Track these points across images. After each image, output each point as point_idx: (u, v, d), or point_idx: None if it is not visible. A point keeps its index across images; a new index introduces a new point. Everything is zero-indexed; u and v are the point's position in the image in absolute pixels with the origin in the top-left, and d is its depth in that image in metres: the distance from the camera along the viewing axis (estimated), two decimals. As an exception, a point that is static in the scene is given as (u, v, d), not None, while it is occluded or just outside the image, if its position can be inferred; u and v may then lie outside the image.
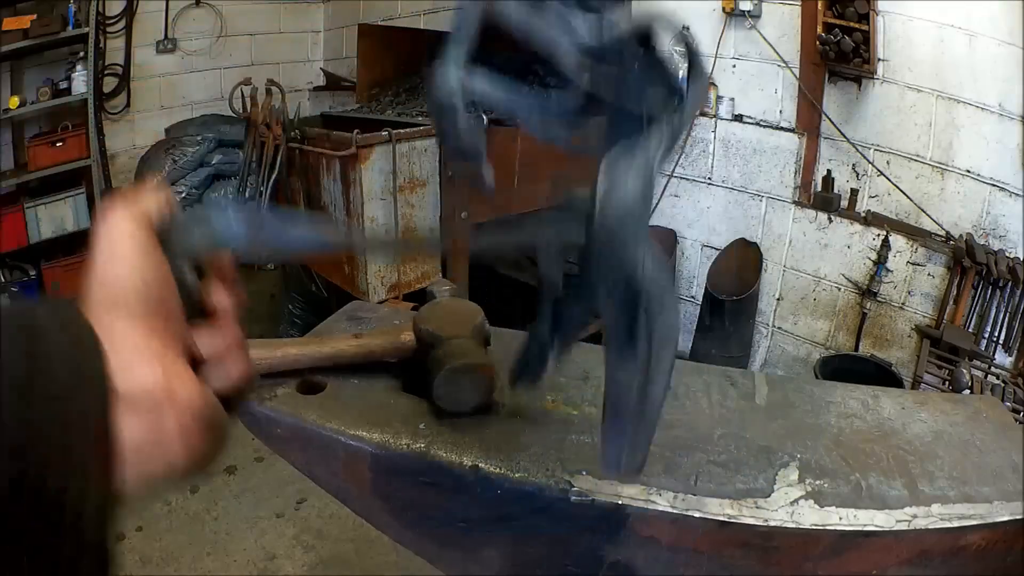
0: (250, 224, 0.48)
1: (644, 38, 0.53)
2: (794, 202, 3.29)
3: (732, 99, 3.38)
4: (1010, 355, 2.72)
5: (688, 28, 3.39)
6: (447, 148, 0.52)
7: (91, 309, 0.40)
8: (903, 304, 3.03)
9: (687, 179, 3.62)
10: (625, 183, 0.52)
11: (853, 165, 3.12)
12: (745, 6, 3.17)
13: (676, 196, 3.68)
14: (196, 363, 0.46)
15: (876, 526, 0.68)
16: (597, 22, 0.51)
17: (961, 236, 2.80)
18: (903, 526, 0.69)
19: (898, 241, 2.98)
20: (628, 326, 0.54)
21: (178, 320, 0.43)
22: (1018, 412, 2.31)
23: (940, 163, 2.86)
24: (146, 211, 0.44)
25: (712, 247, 3.62)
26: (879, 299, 3.08)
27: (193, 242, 0.46)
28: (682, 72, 0.54)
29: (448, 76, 0.50)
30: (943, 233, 2.87)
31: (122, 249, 0.42)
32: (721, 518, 0.69)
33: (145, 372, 0.39)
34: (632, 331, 0.54)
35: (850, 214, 3.13)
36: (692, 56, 0.54)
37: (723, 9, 3.24)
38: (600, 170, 0.53)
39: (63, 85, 4.23)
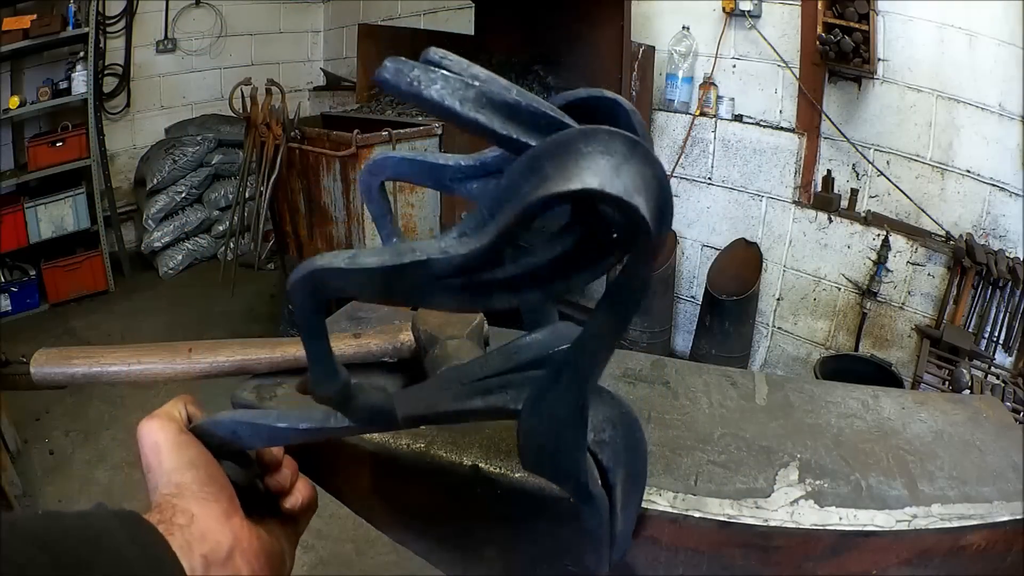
0: (254, 437, 0.56)
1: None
2: (794, 202, 3.29)
3: (732, 99, 3.39)
4: (1010, 355, 2.72)
5: (688, 28, 3.40)
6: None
7: (164, 503, 0.50)
8: (903, 304, 3.03)
9: (687, 179, 3.62)
10: (552, 421, 0.48)
11: (853, 165, 3.12)
12: (745, 6, 3.17)
13: (676, 196, 3.65)
14: (266, 501, 0.59)
15: (876, 526, 0.68)
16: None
17: (961, 236, 2.80)
18: (903, 526, 0.69)
19: (898, 241, 2.98)
20: (583, 497, 0.55)
21: (227, 480, 0.55)
22: (1018, 412, 2.31)
23: (940, 163, 2.86)
24: (172, 414, 0.56)
25: (712, 247, 3.62)
26: (879, 299, 3.08)
27: (217, 444, 0.56)
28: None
29: (325, 387, 0.49)
30: (943, 233, 2.87)
31: (165, 448, 0.53)
32: (721, 518, 0.69)
33: (216, 534, 0.50)
34: (587, 499, 0.55)
35: (850, 214, 3.13)
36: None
37: (723, 9, 3.24)
38: (524, 407, 0.50)
39: (63, 85, 4.23)
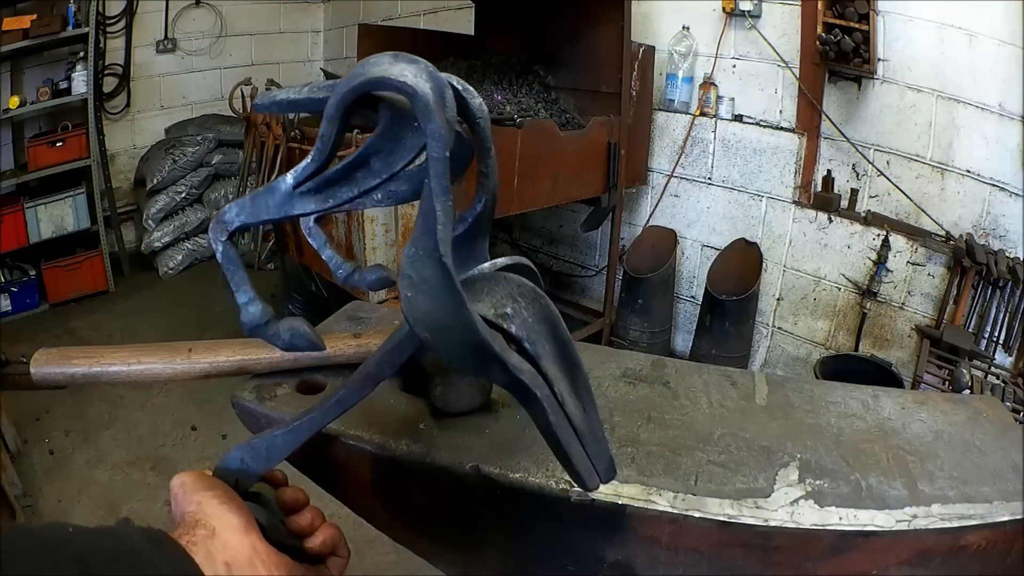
0: (256, 457, 0.64)
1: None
2: (794, 202, 3.29)
3: (732, 99, 3.38)
4: (1010, 355, 2.72)
5: (688, 28, 3.40)
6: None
7: (187, 520, 0.56)
8: (903, 304, 3.03)
9: (687, 179, 3.62)
10: (422, 285, 0.50)
11: (853, 165, 3.12)
12: (745, 6, 3.17)
13: (676, 196, 3.68)
14: (292, 548, 0.63)
15: (876, 526, 0.68)
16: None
17: (961, 236, 2.80)
18: (903, 526, 0.69)
19: (898, 241, 2.98)
20: (513, 383, 0.54)
21: (243, 503, 0.61)
22: (1018, 412, 2.31)
23: (940, 163, 2.86)
24: (195, 472, 0.64)
25: (712, 247, 3.62)
26: (879, 299, 3.08)
27: (235, 482, 0.64)
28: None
29: (250, 313, 0.57)
30: (943, 233, 2.87)
31: (188, 481, 0.62)
32: (721, 518, 0.69)
33: (236, 543, 0.55)
34: (515, 382, 0.54)
35: (850, 214, 3.13)
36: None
37: (723, 9, 3.24)
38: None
39: (63, 85, 4.23)
